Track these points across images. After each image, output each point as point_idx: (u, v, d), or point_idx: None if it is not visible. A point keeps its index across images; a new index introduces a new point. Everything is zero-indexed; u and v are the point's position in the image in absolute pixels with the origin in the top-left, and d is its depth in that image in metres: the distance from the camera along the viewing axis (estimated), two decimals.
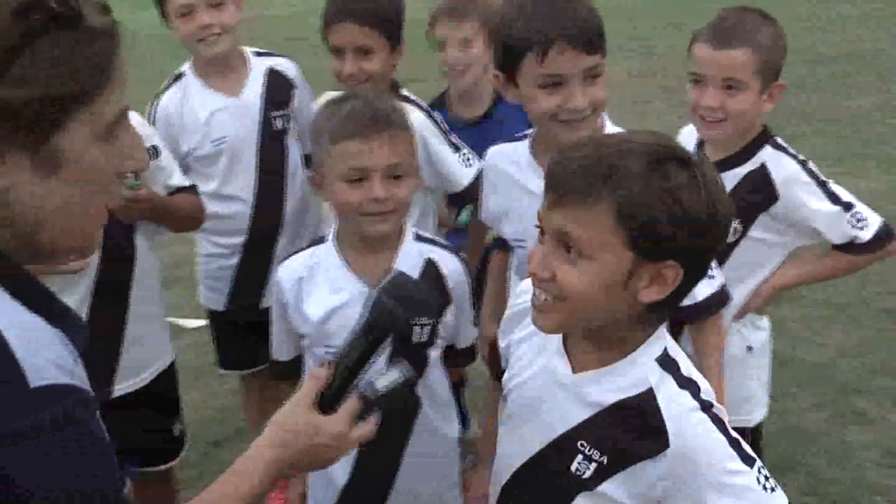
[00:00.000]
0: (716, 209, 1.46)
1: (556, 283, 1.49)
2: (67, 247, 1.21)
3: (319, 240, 2.27)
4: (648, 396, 1.56)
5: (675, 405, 1.55)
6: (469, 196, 2.80)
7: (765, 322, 2.64)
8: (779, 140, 2.53)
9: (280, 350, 2.35)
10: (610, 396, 1.58)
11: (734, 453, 1.53)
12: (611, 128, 2.25)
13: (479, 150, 2.69)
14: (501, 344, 1.86)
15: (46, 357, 1.08)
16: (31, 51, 1.09)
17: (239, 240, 3.14)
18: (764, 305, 2.59)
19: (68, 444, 1.06)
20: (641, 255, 1.45)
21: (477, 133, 3.04)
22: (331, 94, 2.79)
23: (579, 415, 1.61)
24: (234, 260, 3.18)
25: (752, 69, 2.38)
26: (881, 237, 2.48)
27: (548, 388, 1.66)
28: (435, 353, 2.25)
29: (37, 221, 1.15)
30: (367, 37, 2.75)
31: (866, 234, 2.46)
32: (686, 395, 1.56)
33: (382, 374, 1.56)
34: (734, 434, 1.55)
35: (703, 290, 2.22)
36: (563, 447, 1.63)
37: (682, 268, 1.46)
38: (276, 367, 2.40)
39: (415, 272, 2.13)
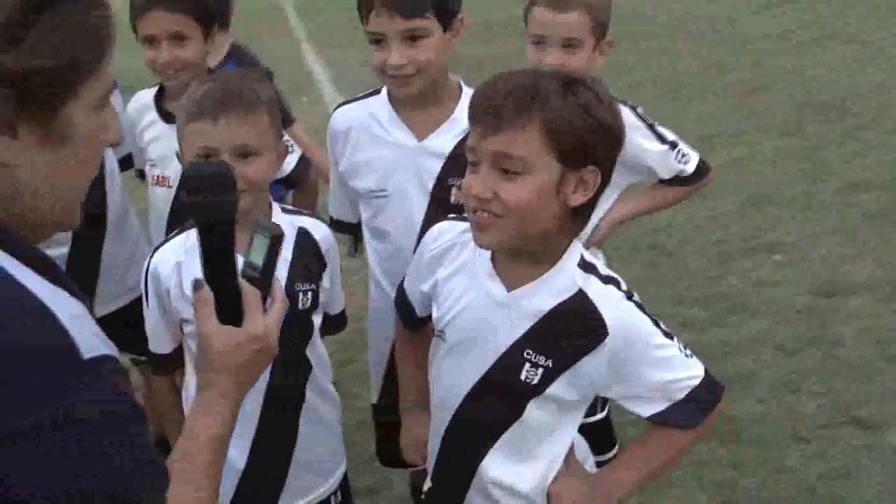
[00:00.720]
0: (616, 117, 1.71)
1: (500, 200, 1.65)
2: (57, 221, 1.18)
3: (187, 226, 2.18)
4: (581, 296, 1.76)
5: (605, 298, 1.76)
6: None
7: (601, 255, 2.75)
8: None
9: (160, 342, 2.25)
10: (547, 304, 1.76)
11: (657, 330, 1.78)
12: (466, 89, 2.37)
13: None
14: (423, 288, 1.97)
15: (91, 329, 1.06)
16: (40, 21, 1.06)
17: (64, 250, 2.92)
18: (604, 238, 2.76)
19: (121, 423, 1.05)
20: (567, 165, 1.65)
21: None
22: (143, 93, 2.90)
23: (520, 327, 1.77)
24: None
25: (587, 29, 2.57)
26: (701, 170, 2.78)
27: (486, 310, 1.81)
28: (317, 320, 2.25)
29: (37, 196, 1.12)
30: (180, 23, 2.70)
31: (690, 168, 2.74)
32: (612, 289, 1.78)
33: (251, 250, 1.46)
34: (653, 316, 1.80)
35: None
36: (509, 360, 1.78)
37: (599, 172, 1.69)
38: (158, 360, 2.28)
39: (289, 241, 2.13)
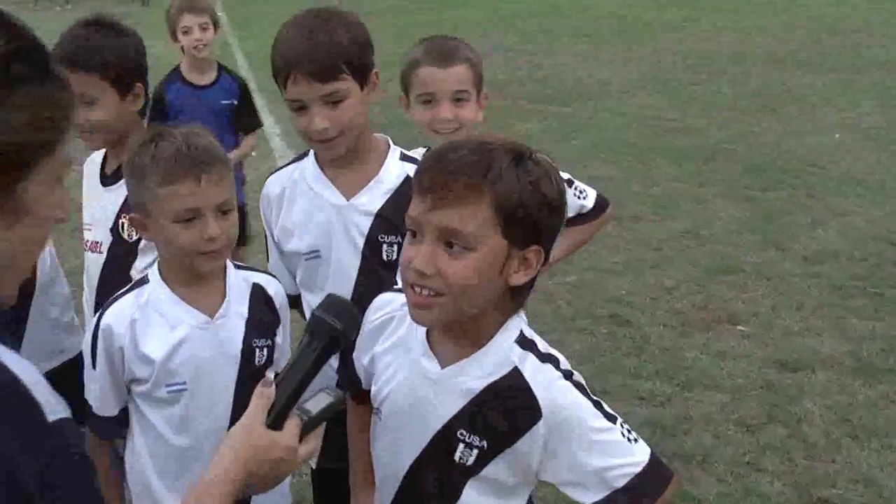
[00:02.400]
0: (562, 193, 1.68)
1: (441, 277, 1.60)
2: None
3: (140, 281, 2.20)
4: (515, 374, 1.70)
5: (540, 377, 1.69)
6: None
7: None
8: None
9: (107, 405, 2.19)
10: (479, 382, 1.71)
11: (598, 413, 1.69)
12: (394, 147, 2.42)
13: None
14: (364, 361, 1.92)
15: (48, 390, 1.11)
16: (11, 98, 1.10)
17: None
18: None
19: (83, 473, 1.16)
20: (513, 242, 1.62)
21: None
22: (97, 154, 2.74)
23: (453, 406, 1.72)
24: None
25: (471, 81, 2.68)
26: (601, 204, 2.91)
27: (419, 388, 1.76)
28: (271, 375, 2.21)
29: None
30: (89, 85, 2.53)
31: (589, 202, 2.86)
32: (549, 368, 1.71)
33: (313, 397, 1.60)
34: (594, 397, 1.72)
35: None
36: (443, 440, 1.73)
37: (543, 251, 1.65)
38: (102, 424, 2.21)
39: (244, 296, 2.19)
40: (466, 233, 1.59)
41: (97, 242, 2.71)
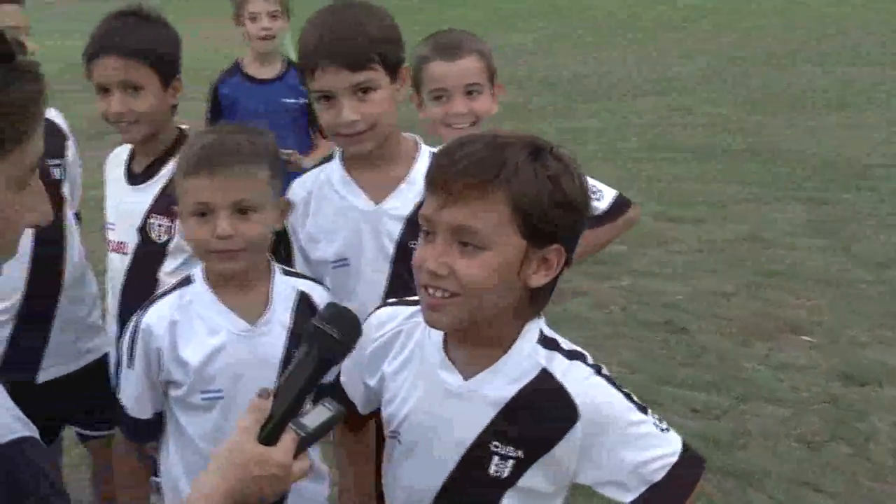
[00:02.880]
0: (584, 190, 1.61)
1: (455, 277, 1.55)
2: None
3: (185, 280, 2.15)
4: (545, 376, 1.65)
5: (572, 375, 1.65)
6: None
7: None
8: None
9: (142, 407, 2.14)
10: (508, 390, 1.65)
11: (632, 405, 1.67)
12: (425, 147, 2.33)
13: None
14: (370, 382, 1.84)
15: (6, 408, 1.08)
16: None
17: (8, 303, 2.74)
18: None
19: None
20: (531, 241, 1.55)
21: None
22: (121, 149, 2.69)
23: (483, 418, 1.66)
24: (6, 331, 2.74)
25: (483, 73, 2.62)
26: (619, 205, 2.63)
27: (441, 403, 1.69)
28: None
29: None
30: (135, 71, 2.48)
31: (602, 204, 2.59)
32: (579, 365, 1.66)
33: (311, 411, 1.55)
34: (624, 388, 1.69)
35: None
36: (476, 455, 1.67)
37: (564, 251, 1.59)
38: (134, 426, 2.17)
39: (289, 305, 2.12)
40: (480, 231, 1.53)
41: (122, 243, 2.64)
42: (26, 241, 2.59)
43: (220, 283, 2.10)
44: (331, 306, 1.64)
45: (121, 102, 2.49)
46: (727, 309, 5.12)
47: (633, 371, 4.41)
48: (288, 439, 1.49)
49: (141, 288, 2.43)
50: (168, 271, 2.49)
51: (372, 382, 1.83)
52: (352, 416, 1.93)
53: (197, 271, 2.15)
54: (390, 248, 2.26)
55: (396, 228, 2.26)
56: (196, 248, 2.08)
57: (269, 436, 1.49)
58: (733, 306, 5.15)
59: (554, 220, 1.56)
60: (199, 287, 2.11)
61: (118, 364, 2.19)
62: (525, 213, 1.53)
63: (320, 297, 2.18)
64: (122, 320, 2.46)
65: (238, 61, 4.59)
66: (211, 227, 2.01)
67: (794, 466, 3.68)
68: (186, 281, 2.15)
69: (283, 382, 1.54)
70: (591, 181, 2.61)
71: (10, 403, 1.07)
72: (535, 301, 1.64)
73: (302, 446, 1.51)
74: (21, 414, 1.08)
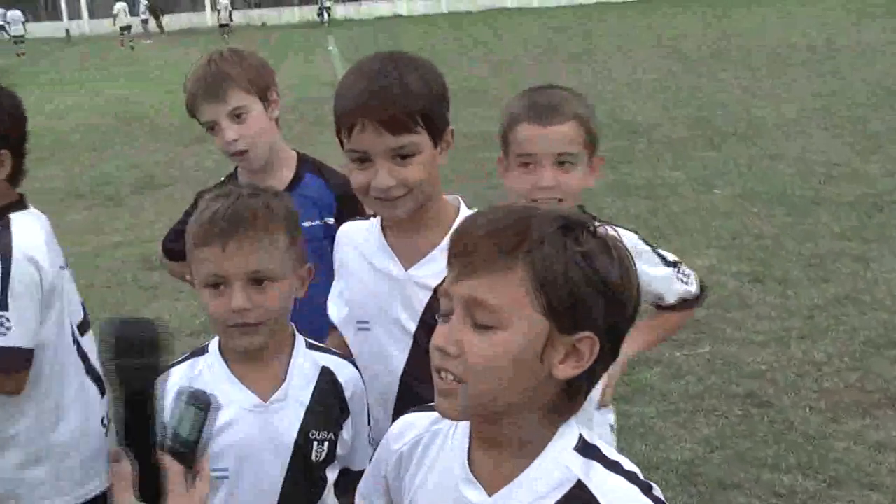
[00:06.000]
0: (629, 276, 1.43)
1: (463, 357, 1.41)
2: None
3: (200, 350, 2.09)
4: (579, 490, 1.45)
5: (612, 493, 1.45)
6: None
7: (612, 414, 2.64)
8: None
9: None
10: None
11: None
12: (465, 211, 2.16)
13: None
14: (394, 497, 1.70)
15: None
16: None
17: None
18: (612, 394, 2.56)
19: None
20: (557, 324, 1.39)
21: None
22: None
23: None
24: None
25: (581, 142, 2.38)
26: (703, 289, 2.61)
27: None
28: (332, 476, 2.07)
29: None
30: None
31: (694, 287, 2.56)
32: (621, 480, 1.47)
33: (180, 421, 1.46)
34: None
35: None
36: None
37: (598, 342, 1.41)
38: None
39: (310, 382, 2.03)
40: (494, 306, 1.39)
41: None
42: None
43: (236, 356, 2.03)
44: (109, 334, 1.47)
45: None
46: (818, 380, 4.80)
47: (712, 449, 4.15)
48: (171, 479, 1.42)
49: None
50: None
51: (395, 498, 1.70)
52: None
53: (213, 341, 2.08)
54: (414, 319, 2.13)
55: (423, 298, 2.11)
56: (212, 321, 2.01)
57: (147, 488, 1.41)
58: (825, 377, 4.82)
59: (585, 301, 1.39)
60: (212, 358, 2.05)
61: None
62: (548, 290, 1.38)
63: (347, 376, 2.09)
64: None
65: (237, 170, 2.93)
66: (226, 300, 1.93)
67: None
68: (200, 351, 2.08)
69: (119, 434, 1.43)
70: (682, 265, 2.56)
71: None
72: (568, 397, 1.45)
73: (190, 459, 1.44)
74: None
